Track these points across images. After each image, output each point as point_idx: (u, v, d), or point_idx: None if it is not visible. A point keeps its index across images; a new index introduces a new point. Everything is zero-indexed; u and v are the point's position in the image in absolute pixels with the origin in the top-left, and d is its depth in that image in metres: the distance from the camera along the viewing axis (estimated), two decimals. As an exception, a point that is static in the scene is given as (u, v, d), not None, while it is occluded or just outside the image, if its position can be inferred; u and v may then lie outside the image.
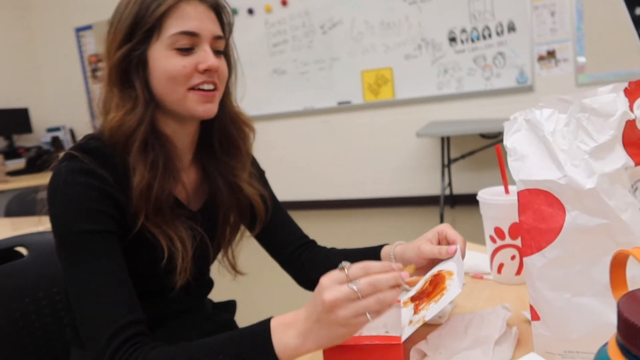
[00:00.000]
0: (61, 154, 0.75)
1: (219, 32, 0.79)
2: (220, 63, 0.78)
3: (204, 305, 0.98)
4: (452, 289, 0.64)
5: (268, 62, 4.57)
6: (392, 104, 4.28)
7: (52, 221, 0.71)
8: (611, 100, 0.55)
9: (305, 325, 0.58)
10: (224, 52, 0.83)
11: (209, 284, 1.00)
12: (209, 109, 0.78)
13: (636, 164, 0.56)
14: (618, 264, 0.37)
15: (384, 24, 4.15)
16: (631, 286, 0.38)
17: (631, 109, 0.55)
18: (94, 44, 5.34)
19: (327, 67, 4.40)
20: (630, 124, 0.55)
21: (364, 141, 4.45)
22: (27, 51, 5.54)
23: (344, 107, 4.43)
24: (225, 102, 0.86)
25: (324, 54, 4.39)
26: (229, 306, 1.05)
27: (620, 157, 0.55)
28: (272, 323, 0.61)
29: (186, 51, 0.75)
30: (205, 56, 0.75)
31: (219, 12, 0.81)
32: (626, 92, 0.55)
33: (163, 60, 0.75)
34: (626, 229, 0.54)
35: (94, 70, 5.42)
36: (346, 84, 4.36)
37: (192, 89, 0.76)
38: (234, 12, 4.61)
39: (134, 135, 0.75)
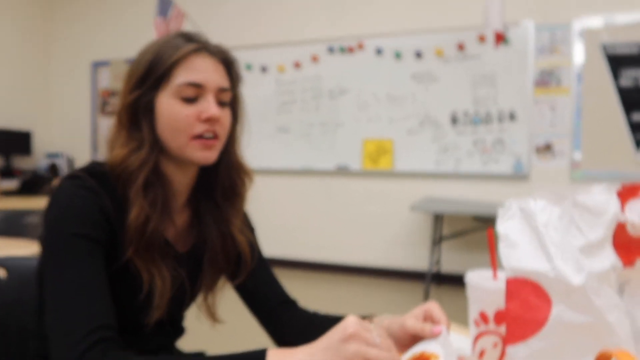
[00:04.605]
0: (67, 174, 0.78)
1: (225, 85, 0.83)
2: (222, 113, 0.81)
3: (172, 350, 0.97)
4: None
5: (274, 119, 4.67)
6: (389, 174, 4.34)
7: (47, 224, 0.73)
8: (604, 200, 0.56)
9: (308, 352, 0.61)
10: (231, 103, 0.87)
11: (180, 330, 0.98)
12: (208, 156, 0.81)
13: (624, 266, 0.57)
14: (601, 365, 0.37)
15: (390, 97, 4.29)
16: (613, 390, 0.38)
17: (623, 211, 0.57)
18: (109, 80, 5.47)
19: (331, 131, 4.49)
20: (620, 226, 0.56)
21: (358, 208, 4.46)
22: (41, 76, 5.66)
23: (343, 171, 4.48)
24: (230, 150, 0.89)
25: (329, 118, 4.50)
26: (198, 358, 1.02)
27: (609, 257, 0.56)
28: (270, 350, 0.64)
29: (191, 101, 0.79)
30: (208, 106, 0.79)
31: (228, 66, 0.85)
32: (619, 194, 0.57)
33: (168, 108, 0.79)
34: (611, 330, 0.54)
35: (104, 104, 5.52)
36: (347, 149, 4.44)
37: (194, 137, 0.79)
38: (248, 67, 4.78)
39: (136, 173, 0.78)
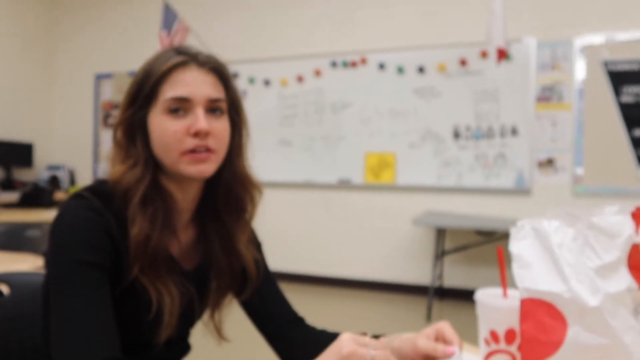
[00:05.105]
0: (71, 194, 0.77)
1: (216, 95, 0.81)
2: (214, 125, 0.79)
3: None
4: None
5: (276, 131, 4.68)
6: (391, 188, 4.34)
7: (52, 249, 0.73)
8: (618, 222, 0.56)
9: None
10: (229, 112, 0.85)
11: (186, 348, 0.97)
12: (202, 170, 0.79)
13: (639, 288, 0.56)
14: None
15: (392, 111, 4.31)
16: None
17: (637, 233, 0.57)
18: (111, 92, 5.50)
19: (333, 144, 4.51)
20: (635, 248, 0.56)
21: (359, 221, 4.46)
22: (45, 89, 5.69)
23: (344, 185, 4.48)
24: (234, 162, 0.87)
25: (331, 131, 4.51)
26: None
27: (624, 279, 0.55)
28: None
29: (179, 115, 0.78)
30: (196, 119, 0.77)
31: (220, 75, 0.83)
32: (633, 215, 0.57)
33: (159, 124, 0.78)
34: (627, 352, 0.54)
35: (106, 117, 5.54)
36: (349, 163, 4.45)
37: (185, 153, 0.78)
38: (251, 81, 4.80)
39: (133, 189, 0.77)
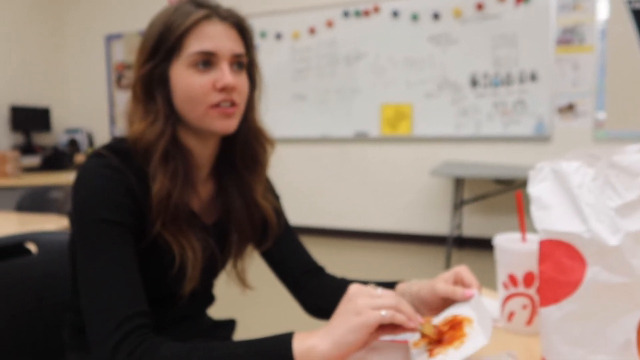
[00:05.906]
0: (90, 152, 0.78)
1: (239, 50, 0.80)
2: (237, 80, 0.80)
3: (203, 318, 0.99)
4: (476, 338, 0.62)
5: (290, 86, 4.63)
6: (408, 139, 4.30)
7: (75, 209, 0.74)
8: (641, 160, 0.55)
9: (327, 327, 0.63)
10: (247, 68, 0.85)
11: (211, 298, 1.00)
12: (228, 125, 0.80)
13: (662, 226, 0.55)
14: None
15: (407, 60, 4.21)
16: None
17: (660, 170, 0.55)
18: (123, 53, 5.46)
19: (348, 97, 4.45)
20: (658, 185, 0.54)
21: (377, 174, 4.46)
22: (56, 53, 5.67)
23: (361, 138, 4.46)
24: (249, 117, 0.87)
25: (345, 84, 4.44)
26: (229, 325, 1.04)
27: (646, 217, 0.54)
28: (296, 333, 0.64)
29: (204, 70, 0.77)
30: (222, 75, 0.77)
31: (241, 30, 0.82)
32: (656, 153, 0.55)
33: (182, 78, 0.77)
34: (647, 290, 0.54)
35: (119, 78, 5.53)
36: (365, 115, 4.40)
37: (212, 107, 0.78)
38: (262, 35, 4.69)
39: (154, 146, 0.77)
